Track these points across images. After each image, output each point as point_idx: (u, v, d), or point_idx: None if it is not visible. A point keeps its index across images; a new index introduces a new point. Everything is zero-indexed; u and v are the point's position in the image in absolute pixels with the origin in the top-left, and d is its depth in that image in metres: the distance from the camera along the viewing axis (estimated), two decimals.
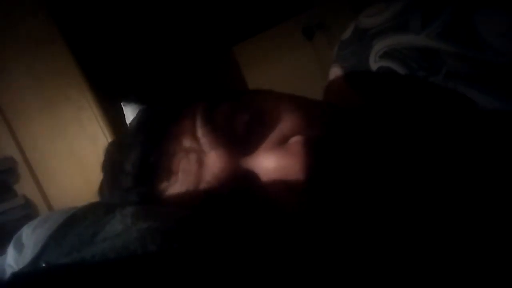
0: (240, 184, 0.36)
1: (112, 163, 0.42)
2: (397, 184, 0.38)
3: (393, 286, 0.35)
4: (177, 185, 0.37)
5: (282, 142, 0.36)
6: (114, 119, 1.17)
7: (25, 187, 1.21)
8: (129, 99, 1.36)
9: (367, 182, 0.36)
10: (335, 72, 0.53)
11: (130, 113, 1.35)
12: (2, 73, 1.16)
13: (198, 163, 0.36)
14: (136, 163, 0.37)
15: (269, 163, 0.35)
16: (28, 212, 1.19)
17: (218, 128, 0.37)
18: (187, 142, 0.37)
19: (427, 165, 0.41)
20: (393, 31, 0.44)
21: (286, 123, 0.37)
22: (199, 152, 0.36)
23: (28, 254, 0.41)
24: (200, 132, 0.37)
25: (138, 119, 0.42)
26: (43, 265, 0.33)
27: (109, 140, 1.14)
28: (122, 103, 1.32)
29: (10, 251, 0.46)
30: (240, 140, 0.37)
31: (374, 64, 0.46)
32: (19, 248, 0.45)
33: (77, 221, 0.36)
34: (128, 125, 0.44)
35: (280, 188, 0.35)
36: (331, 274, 0.34)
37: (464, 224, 0.37)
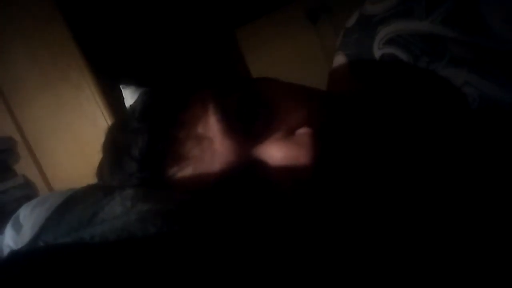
0: (249, 171, 0.37)
1: (116, 147, 0.42)
2: (399, 176, 0.39)
3: (391, 284, 0.35)
4: (188, 170, 0.37)
5: (290, 132, 0.37)
6: (112, 100, 1.17)
7: (24, 167, 1.22)
8: (128, 81, 1.35)
9: (370, 173, 0.37)
10: (339, 59, 0.52)
11: (128, 94, 1.34)
12: (1, 53, 1.16)
13: (210, 150, 0.37)
14: (144, 148, 0.38)
15: (277, 152, 0.36)
16: (27, 192, 1.20)
17: (229, 116, 0.38)
18: (199, 129, 0.38)
19: (428, 155, 0.40)
20: (398, 18, 0.44)
21: (293, 113, 0.38)
22: (211, 139, 0.37)
23: (27, 234, 0.41)
24: (212, 120, 0.37)
25: (143, 103, 0.41)
26: (42, 244, 0.33)
27: (108, 120, 1.14)
28: (121, 85, 1.32)
29: (8, 231, 0.46)
30: (249, 128, 0.38)
31: (378, 50, 0.45)
32: (18, 228, 0.45)
33: (76, 202, 0.37)
34: (130, 108, 0.43)
35: (286, 177, 0.36)
36: (327, 264, 0.34)
37: (464, 218, 0.37)
